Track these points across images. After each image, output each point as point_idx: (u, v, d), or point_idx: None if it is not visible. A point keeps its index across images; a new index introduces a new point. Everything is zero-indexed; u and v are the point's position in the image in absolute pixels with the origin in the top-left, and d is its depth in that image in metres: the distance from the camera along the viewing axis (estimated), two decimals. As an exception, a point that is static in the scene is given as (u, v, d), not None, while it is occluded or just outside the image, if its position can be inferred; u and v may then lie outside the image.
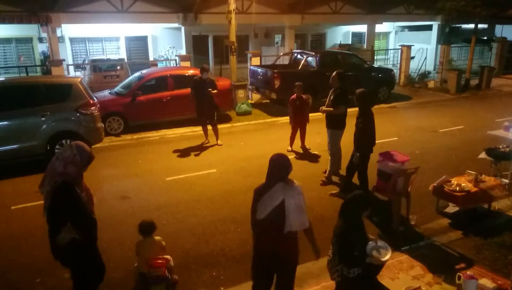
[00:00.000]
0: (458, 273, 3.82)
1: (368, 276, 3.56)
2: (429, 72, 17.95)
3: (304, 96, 8.26)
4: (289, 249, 3.17)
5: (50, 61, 12.48)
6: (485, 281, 3.81)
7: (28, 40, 16.22)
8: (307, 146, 8.47)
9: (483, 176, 5.57)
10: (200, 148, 8.86)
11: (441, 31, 21.25)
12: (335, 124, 6.75)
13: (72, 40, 16.72)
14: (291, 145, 8.47)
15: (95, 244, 3.45)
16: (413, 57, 17.74)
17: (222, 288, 4.19)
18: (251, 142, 9.44)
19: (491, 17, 17.76)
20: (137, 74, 10.99)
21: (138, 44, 18.09)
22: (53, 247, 3.24)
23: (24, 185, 6.91)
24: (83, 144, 3.38)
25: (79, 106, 7.83)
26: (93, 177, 7.28)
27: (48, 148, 7.63)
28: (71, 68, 14.12)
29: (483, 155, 6.30)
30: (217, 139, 9.07)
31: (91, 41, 17.21)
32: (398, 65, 17.47)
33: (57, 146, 7.70)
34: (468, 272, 3.68)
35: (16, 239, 5.24)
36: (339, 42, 21.66)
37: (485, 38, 21.92)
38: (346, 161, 6.30)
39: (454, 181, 5.47)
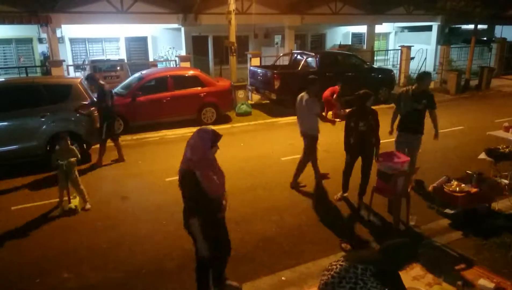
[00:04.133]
0: (459, 282, 3.81)
1: None
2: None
3: None
4: None
5: (50, 62, 12.48)
6: (485, 282, 3.82)
7: (28, 41, 16.21)
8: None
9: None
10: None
11: (440, 31, 21.27)
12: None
13: (72, 40, 16.73)
14: None
15: (221, 222, 3.72)
16: (413, 58, 17.75)
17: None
18: (251, 142, 9.45)
19: (491, 18, 17.77)
20: (137, 74, 10.98)
21: (138, 45, 18.09)
22: (185, 222, 3.54)
23: (24, 185, 6.91)
24: (204, 128, 3.45)
25: (79, 107, 7.83)
26: (93, 177, 7.30)
27: (48, 148, 7.62)
28: (71, 69, 14.13)
29: (483, 155, 6.30)
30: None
31: (91, 42, 17.21)
32: (398, 66, 17.48)
33: (57, 147, 7.69)
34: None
35: (16, 239, 5.24)
36: (339, 43, 21.67)
37: (485, 38, 21.95)
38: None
39: (454, 181, 5.47)
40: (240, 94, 12.41)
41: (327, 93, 11.06)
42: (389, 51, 21.87)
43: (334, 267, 3.15)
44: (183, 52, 16.11)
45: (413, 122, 6.05)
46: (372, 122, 5.65)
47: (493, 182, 5.56)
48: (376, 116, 5.74)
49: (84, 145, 8.00)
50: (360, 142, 5.71)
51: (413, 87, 6.08)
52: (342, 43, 21.24)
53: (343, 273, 3.03)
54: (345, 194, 6.15)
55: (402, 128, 6.16)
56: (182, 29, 16.10)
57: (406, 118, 6.09)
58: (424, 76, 6.07)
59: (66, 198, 5.92)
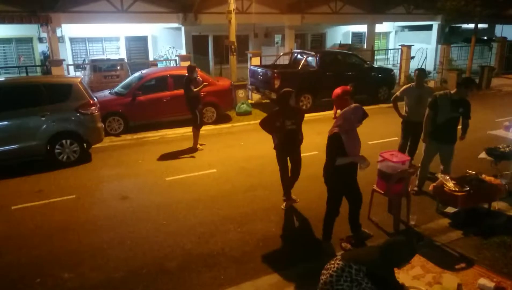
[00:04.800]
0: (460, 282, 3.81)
1: None
2: (429, 72, 17.93)
3: None
4: None
5: (50, 61, 12.49)
6: (485, 281, 3.82)
7: (28, 40, 16.23)
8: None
9: (483, 176, 5.57)
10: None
11: (441, 31, 21.25)
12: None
13: (72, 40, 16.73)
14: None
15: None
16: (413, 57, 17.74)
17: (222, 288, 4.19)
18: (251, 142, 9.44)
19: (491, 17, 17.79)
20: (137, 74, 10.99)
21: (138, 44, 18.10)
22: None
23: (24, 185, 6.92)
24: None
25: (79, 106, 7.83)
26: (93, 177, 7.30)
27: (48, 148, 7.63)
28: (71, 68, 14.13)
29: (483, 155, 6.31)
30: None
31: (91, 41, 17.21)
32: (398, 65, 17.47)
33: (57, 146, 7.70)
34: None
35: (16, 239, 5.24)
36: (339, 42, 21.68)
37: (485, 38, 21.92)
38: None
39: (451, 181, 5.46)
40: (240, 93, 12.41)
41: (337, 91, 11.00)
42: (389, 51, 21.87)
43: (332, 265, 3.17)
44: (183, 52, 16.11)
45: (448, 130, 5.72)
46: (299, 120, 5.70)
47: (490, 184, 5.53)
48: (303, 114, 5.82)
49: (84, 144, 8.01)
50: (290, 141, 5.69)
51: (452, 92, 5.81)
52: (342, 43, 21.25)
53: (339, 271, 3.06)
54: (289, 201, 5.96)
55: (435, 136, 5.82)
56: (182, 28, 16.09)
57: (441, 125, 5.73)
58: (468, 84, 5.85)
59: None
